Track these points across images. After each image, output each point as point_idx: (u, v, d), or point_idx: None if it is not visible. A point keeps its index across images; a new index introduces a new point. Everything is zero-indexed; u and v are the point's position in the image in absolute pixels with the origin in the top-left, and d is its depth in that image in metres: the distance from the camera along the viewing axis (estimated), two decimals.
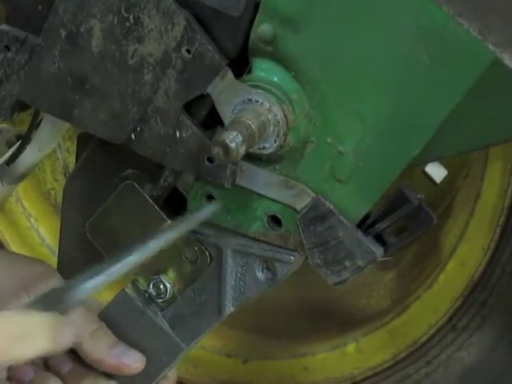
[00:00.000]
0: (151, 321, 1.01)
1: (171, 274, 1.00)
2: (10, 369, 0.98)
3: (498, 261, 1.21)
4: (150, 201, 0.96)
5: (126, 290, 1.02)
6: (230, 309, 0.98)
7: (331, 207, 0.89)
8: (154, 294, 1.01)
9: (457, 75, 0.80)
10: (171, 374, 1.05)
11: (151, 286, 1.01)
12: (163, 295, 1.01)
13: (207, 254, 0.98)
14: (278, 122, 0.86)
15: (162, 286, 1.00)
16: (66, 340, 0.80)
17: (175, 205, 0.98)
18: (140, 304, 1.02)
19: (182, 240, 0.97)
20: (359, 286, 1.42)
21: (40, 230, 1.54)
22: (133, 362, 0.99)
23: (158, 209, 0.96)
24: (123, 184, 0.97)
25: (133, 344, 1.00)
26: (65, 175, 1.54)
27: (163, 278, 1.00)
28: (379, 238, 0.91)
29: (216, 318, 0.99)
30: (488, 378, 1.25)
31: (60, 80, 0.94)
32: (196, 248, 0.98)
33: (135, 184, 0.96)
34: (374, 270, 1.39)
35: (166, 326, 1.01)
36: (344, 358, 1.36)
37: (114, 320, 1.02)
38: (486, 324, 1.23)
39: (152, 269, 1.00)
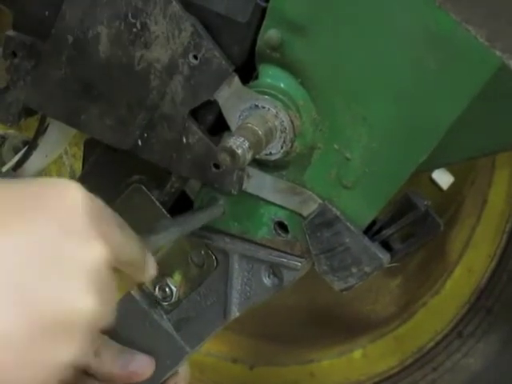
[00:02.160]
0: (156, 323, 1.01)
1: (177, 277, 1.00)
2: None
3: (505, 267, 1.21)
4: (158, 204, 0.96)
5: (132, 292, 1.02)
6: (235, 313, 0.98)
7: (338, 213, 0.89)
8: (160, 296, 1.01)
9: (464, 81, 0.80)
10: (182, 371, 1.04)
11: (157, 289, 1.01)
12: (169, 298, 1.01)
13: (214, 258, 0.98)
14: (285, 128, 0.85)
15: (167, 289, 1.01)
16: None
17: (182, 210, 0.98)
18: (145, 307, 1.02)
19: (188, 244, 0.97)
20: (365, 293, 1.42)
21: None
22: (140, 367, 0.98)
23: (165, 212, 0.96)
24: (131, 187, 0.97)
25: (137, 346, 1.00)
26: None
27: (169, 281, 1.00)
28: (386, 244, 0.91)
29: (221, 321, 0.99)
30: None
31: (67, 86, 0.94)
32: (203, 252, 0.98)
33: (143, 187, 0.97)
34: (380, 276, 1.39)
35: (170, 329, 1.01)
36: (350, 364, 1.36)
37: (119, 322, 1.01)
38: (492, 330, 1.23)
39: (158, 272, 1.00)
